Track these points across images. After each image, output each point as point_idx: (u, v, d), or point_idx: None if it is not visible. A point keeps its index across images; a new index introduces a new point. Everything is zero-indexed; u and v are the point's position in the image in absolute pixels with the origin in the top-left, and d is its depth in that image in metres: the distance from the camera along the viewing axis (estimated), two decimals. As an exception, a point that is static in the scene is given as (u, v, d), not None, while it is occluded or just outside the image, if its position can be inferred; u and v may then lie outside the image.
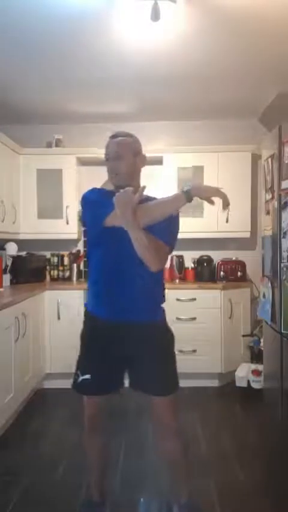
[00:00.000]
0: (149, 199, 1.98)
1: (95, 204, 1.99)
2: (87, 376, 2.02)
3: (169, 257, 2.17)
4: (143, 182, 2.04)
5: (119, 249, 1.92)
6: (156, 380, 2.01)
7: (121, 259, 1.95)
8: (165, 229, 1.95)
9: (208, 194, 1.90)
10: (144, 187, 1.87)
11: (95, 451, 2.19)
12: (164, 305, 2.13)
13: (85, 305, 2.17)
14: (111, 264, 2.00)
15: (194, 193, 1.86)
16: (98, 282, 2.06)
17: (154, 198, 2.02)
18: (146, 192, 1.89)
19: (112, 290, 2.01)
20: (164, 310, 2.12)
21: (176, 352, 2.11)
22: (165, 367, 2.05)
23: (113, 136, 2.05)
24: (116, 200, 1.83)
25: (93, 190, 2.07)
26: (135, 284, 1.98)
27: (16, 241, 4.39)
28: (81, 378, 2.03)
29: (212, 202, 1.91)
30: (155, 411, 2.07)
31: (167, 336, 2.10)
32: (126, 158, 2.00)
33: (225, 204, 1.88)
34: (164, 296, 2.13)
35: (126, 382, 2.11)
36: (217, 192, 1.88)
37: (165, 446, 2.14)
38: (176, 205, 1.91)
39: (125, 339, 1.99)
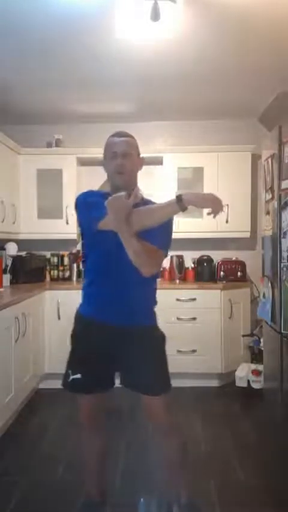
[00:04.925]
0: (146, 203, 1.94)
1: (88, 206, 1.95)
2: (78, 376, 2.03)
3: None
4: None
5: (113, 253, 1.90)
6: (147, 380, 2.00)
7: (115, 263, 1.93)
8: (158, 234, 1.91)
9: (203, 205, 1.84)
10: (136, 192, 1.81)
11: (93, 450, 2.18)
12: (156, 308, 2.11)
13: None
14: (105, 267, 1.99)
15: (188, 203, 1.76)
16: (92, 284, 2.07)
17: (152, 202, 1.98)
18: (146, 193, 1.87)
19: (105, 293, 2.00)
20: (155, 314, 2.10)
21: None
22: (155, 368, 2.03)
23: (117, 135, 2.02)
24: (108, 205, 1.79)
25: (87, 193, 2.05)
26: (128, 288, 1.96)
27: (16, 241, 4.39)
28: (71, 377, 2.05)
29: (210, 214, 1.80)
30: (147, 410, 2.07)
31: (158, 338, 2.08)
32: (133, 157, 1.99)
33: (216, 212, 1.79)
34: (156, 300, 2.12)
35: (117, 382, 2.11)
36: (211, 202, 1.78)
37: (160, 445, 2.15)
38: (168, 213, 1.85)
39: (116, 340, 1.98)
